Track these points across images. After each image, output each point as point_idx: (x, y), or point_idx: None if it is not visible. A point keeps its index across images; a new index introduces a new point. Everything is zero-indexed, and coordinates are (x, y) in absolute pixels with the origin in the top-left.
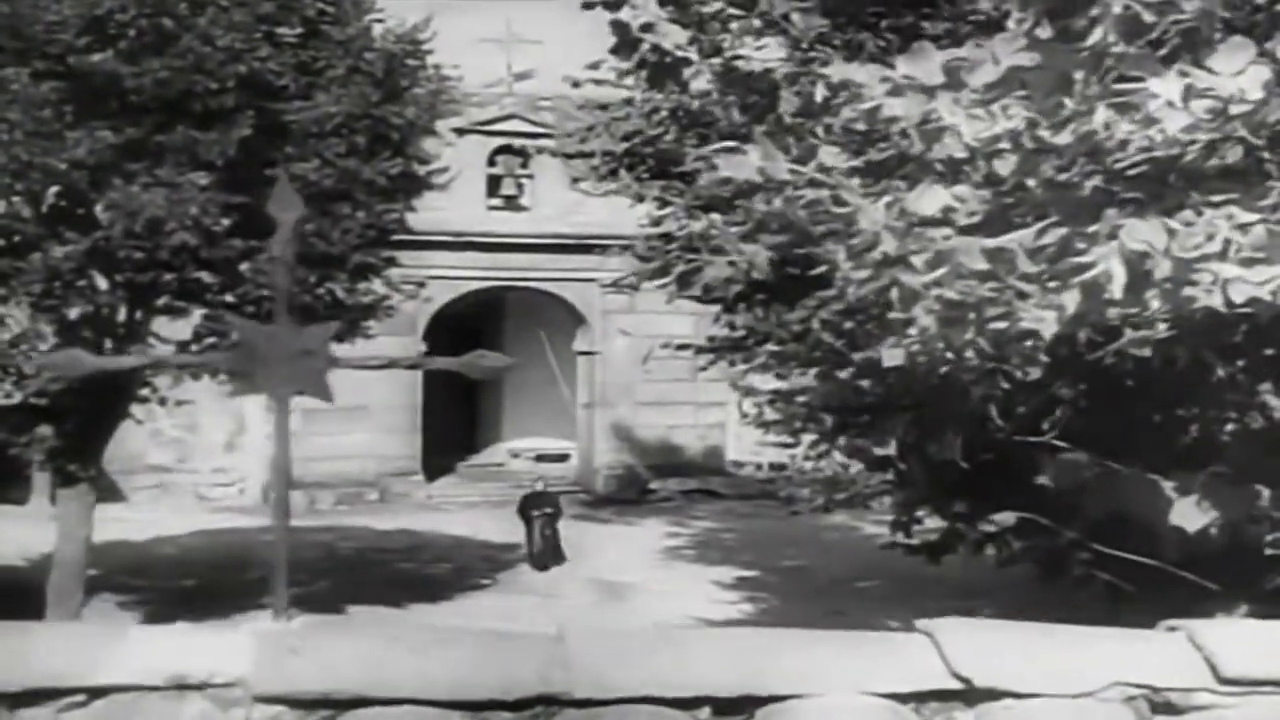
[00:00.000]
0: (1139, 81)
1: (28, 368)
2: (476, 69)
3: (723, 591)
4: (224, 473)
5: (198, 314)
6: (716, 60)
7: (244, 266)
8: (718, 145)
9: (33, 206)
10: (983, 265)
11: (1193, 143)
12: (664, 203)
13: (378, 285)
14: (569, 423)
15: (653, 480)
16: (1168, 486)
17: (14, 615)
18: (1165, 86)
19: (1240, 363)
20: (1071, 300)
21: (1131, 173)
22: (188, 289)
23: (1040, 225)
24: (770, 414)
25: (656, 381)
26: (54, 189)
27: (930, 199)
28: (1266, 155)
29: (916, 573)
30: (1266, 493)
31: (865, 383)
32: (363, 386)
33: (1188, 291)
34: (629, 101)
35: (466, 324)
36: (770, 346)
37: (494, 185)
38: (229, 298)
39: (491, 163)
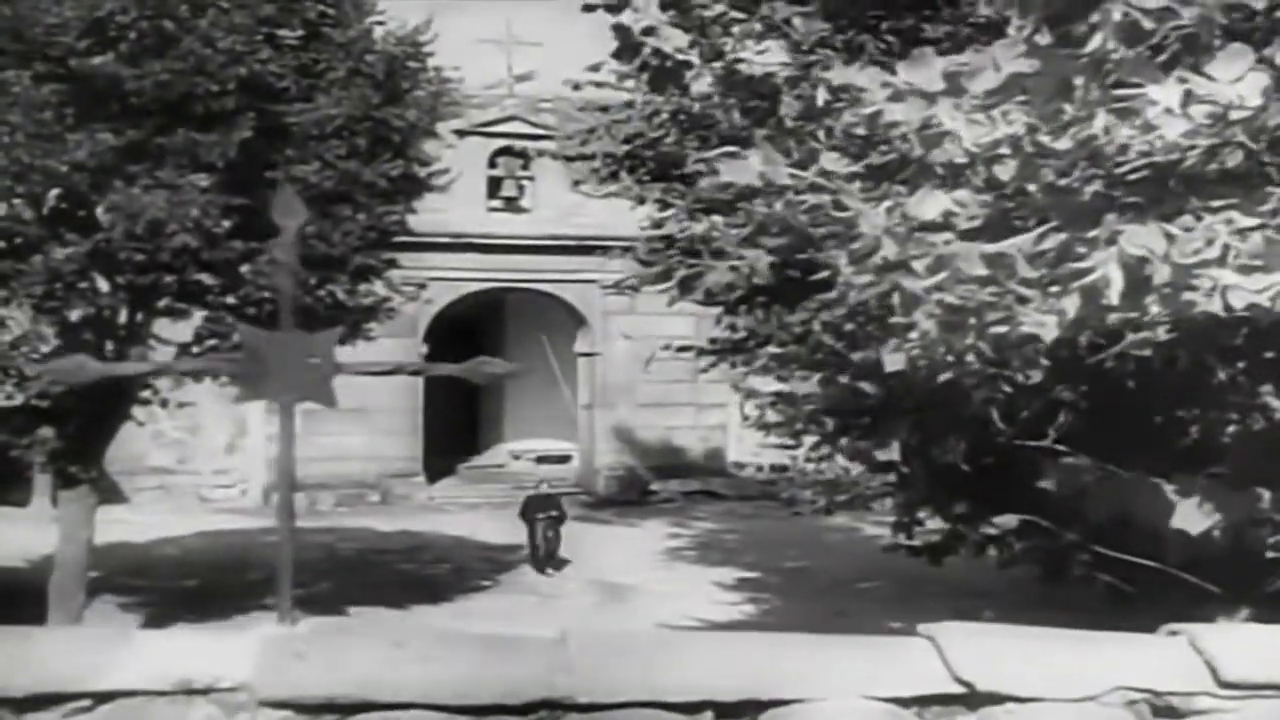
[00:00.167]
0: (1138, 87)
1: (31, 372)
2: (477, 71)
3: (724, 593)
4: (225, 474)
5: (199, 316)
6: (718, 64)
7: (245, 268)
8: (719, 151)
9: (34, 209)
10: (983, 270)
11: (1192, 148)
12: (665, 205)
13: (378, 287)
14: (570, 424)
15: (654, 481)
16: (1169, 489)
17: (15, 617)
18: (1165, 92)
19: (1241, 364)
20: (1072, 305)
21: (1131, 178)
22: (189, 291)
23: (1040, 230)
24: (772, 416)
25: (657, 383)
26: (55, 191)
27: (931, 204)
28: (1266, 159)
29: (918, 574)
30: (1267, 496)
31: (866, 386)
32: (363, 388)
33: (1187, 297)
34: (630, 104)
35: (467, 325)
36: (771, 348)
37: (494, 187)
38: (230, 299)
39: (492, 164)
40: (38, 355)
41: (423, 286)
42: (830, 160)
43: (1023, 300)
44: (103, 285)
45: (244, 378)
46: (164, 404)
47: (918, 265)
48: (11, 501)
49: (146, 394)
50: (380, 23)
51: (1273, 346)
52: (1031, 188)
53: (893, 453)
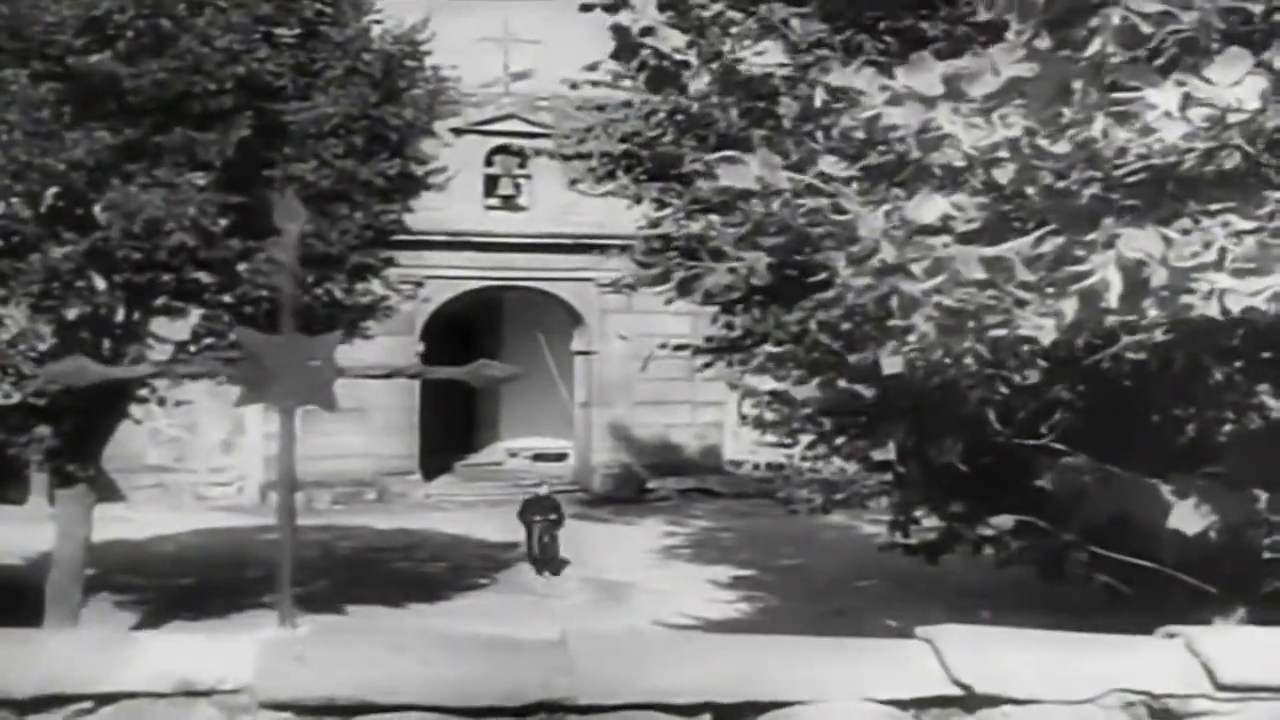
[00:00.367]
0: (1137, 91)
1: (29, 371)
2: (474, 69)
3: (720, 591)
4: (222, 472)
5: (196, 314)
6: (716, 64)
7: (242, 267)
8: (717, 155)
9: (31, 207)
10: (981, 273)
11: (1190, 151)
12: (662, 204)
13: (376, 285)
14: (566, 422)
15: (650, 479)
16: (1166, 489)
17: (12, 614)
18: (1163, 96)
19: (1237, 364)
20: (1069, 308)
21: (1129, 181)
22: (186, 289)
23: (1039, 233)
24: (769, 415)
25: (654, 381)
26: (52, 190)
27: (929, 207)
28: (1264, 161)
29: (915, 572)
30: (1264, 497)
31: (862, 387)
32: (361, 387)
33: (1184, 300)
34: (627, 103)
35: (464, 323)
36: (768, 347)
37: (491, 185)
38: (227, 298)
39: (489, 163)
40: (34, 354)
41: (420, 285)
42: (828, 163)
43: (1021, 303)
44: (100, 283)
45: (244, 381)
46: (161, 402)
47: (916, 268)
48: (9, 499)
49: (144, 392)
50: (378, 21)
51: (1270, 347)
52: (1030, 191)
53: (889, 452)
